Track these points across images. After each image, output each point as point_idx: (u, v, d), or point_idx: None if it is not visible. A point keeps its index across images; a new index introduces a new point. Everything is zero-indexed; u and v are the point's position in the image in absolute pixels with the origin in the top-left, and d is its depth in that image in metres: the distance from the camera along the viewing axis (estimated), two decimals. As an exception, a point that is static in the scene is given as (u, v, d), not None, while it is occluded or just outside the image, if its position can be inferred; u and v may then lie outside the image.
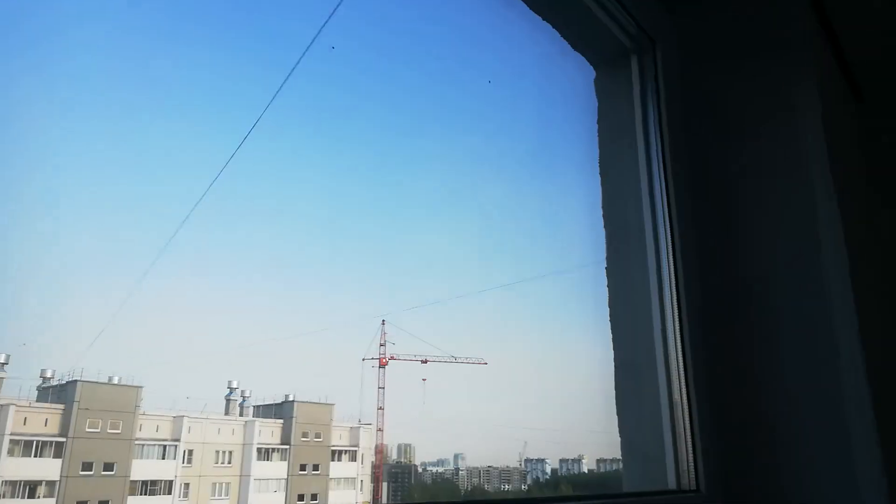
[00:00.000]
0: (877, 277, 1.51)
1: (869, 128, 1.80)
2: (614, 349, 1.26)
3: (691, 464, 1.07)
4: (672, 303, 1.18)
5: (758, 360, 1.17)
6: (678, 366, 1.14)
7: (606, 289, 1.30)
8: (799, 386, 1.12)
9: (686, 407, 1.11)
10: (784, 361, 1.15)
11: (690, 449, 1.08)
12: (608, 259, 1.31)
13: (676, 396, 1.12)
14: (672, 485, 1.07)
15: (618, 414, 1.21)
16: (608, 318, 1.29)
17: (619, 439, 1.20)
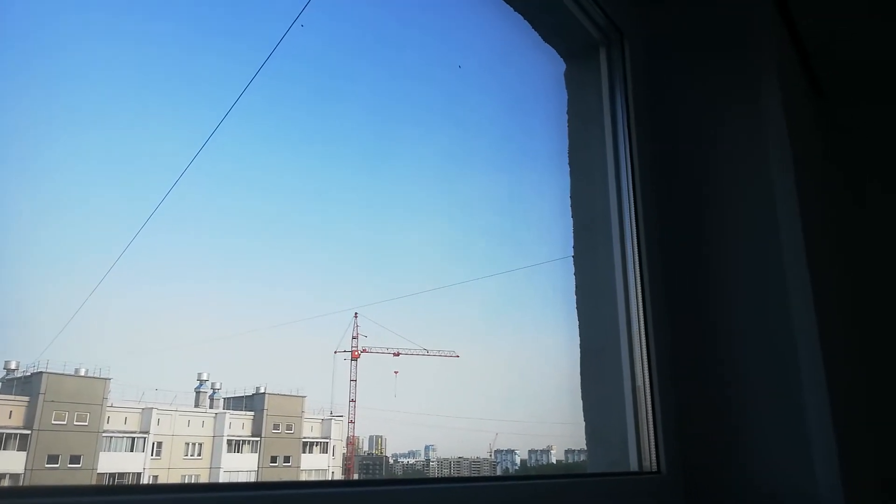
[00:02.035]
0: (837, 269, 1.56)
1: (828, 122, 1.85)
2: (580, 337, 1.29)
3: (652, 446, 1.10)
4: (636, 290, 1.21)
5: (719, 346, 1.20)
6: (641, 352, 1.17)
7: (574, 278, 1.33)
8: (758, 372, 1.16)
9: (648, 391, 1.14)
10: (745, 348, 1.18)
11: (652, 432, 1.11)
12: (575, 248, 1.33)
13: (639, 381, 1.15)
14: (634, 467, 1.10)
15: (582, 399, 1.23)
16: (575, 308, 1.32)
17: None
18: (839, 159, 1.89)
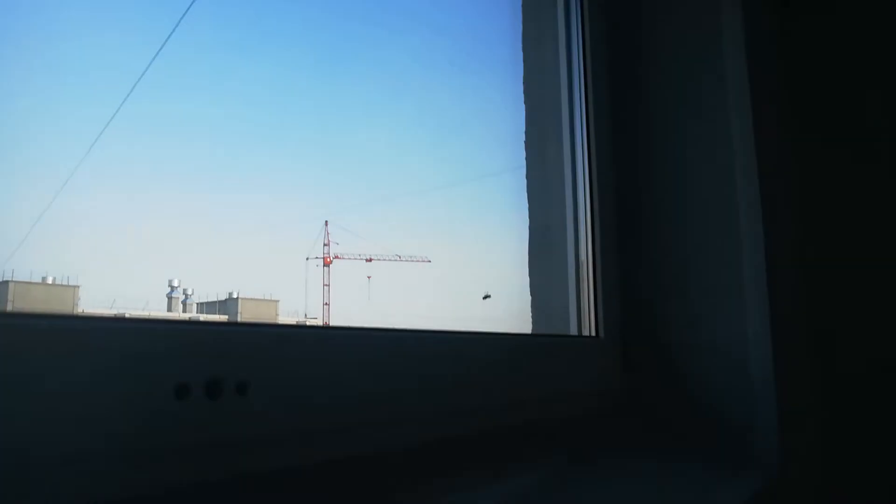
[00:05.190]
0: (786, 161, 1.62)
1: (791, 35, 1.85)
2: (529, 217, 1.34)
3: (592, 314, 1.19)
4: (584, 170, 1.26)
5: (662, 222, 1.27)
6: (587, 228, 1.23)
7: (524, 162, 1.37)
8: (700, 246, 1.23)
9: (591, 264, 1.21)
10: (687, 224, 1.24)
11: (592, 301, 1.19)
12: (527, 132, 1.37)
13: (583, 255, 1.22)
14: (574, 333, 1.19)
15: (529, 275, 1.30)
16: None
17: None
18: (801, 67, 1.91)
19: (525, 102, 1.38)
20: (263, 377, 0.59)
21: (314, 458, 0.62)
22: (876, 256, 1.59)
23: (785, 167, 1.65)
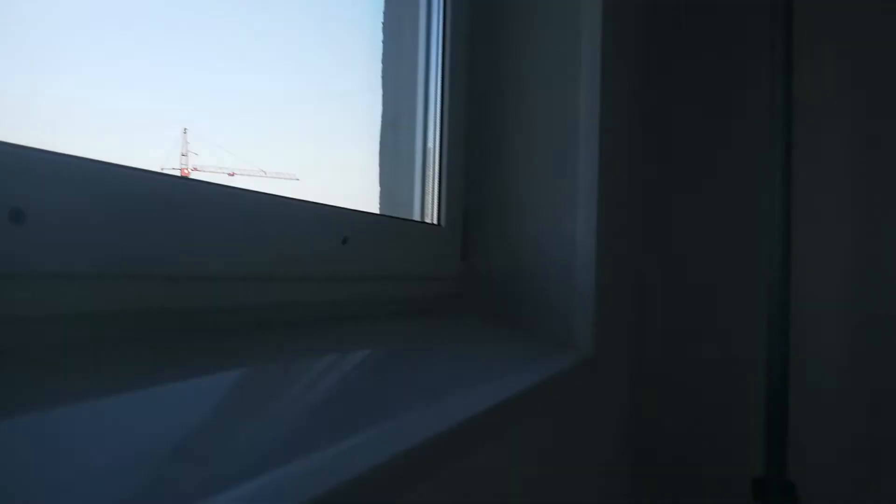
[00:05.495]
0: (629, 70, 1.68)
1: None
2: (382, 108, 1.30)
3: (436, 204, 1.19)
4: (438, 58, 1.23)
5: (508, 118, 1.28)
6: (436, 119, 1.21)
7: (381, 45, 1.32)
8: (541, 143, 1.25)
9: (437, 155, 1.20)
10: (531, 121, 1.26)
11: (437, 192, 1.19)
12: (385, 14, 1.31)
13: (430, 145, 1.21)
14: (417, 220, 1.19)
15: (379, 165, 1.27)
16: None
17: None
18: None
19: (385, -16, 1.31)
20: (45, 207, 0.52)
21: (98, 304, 0.57)
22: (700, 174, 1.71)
23: (626, 81, 1.72)
